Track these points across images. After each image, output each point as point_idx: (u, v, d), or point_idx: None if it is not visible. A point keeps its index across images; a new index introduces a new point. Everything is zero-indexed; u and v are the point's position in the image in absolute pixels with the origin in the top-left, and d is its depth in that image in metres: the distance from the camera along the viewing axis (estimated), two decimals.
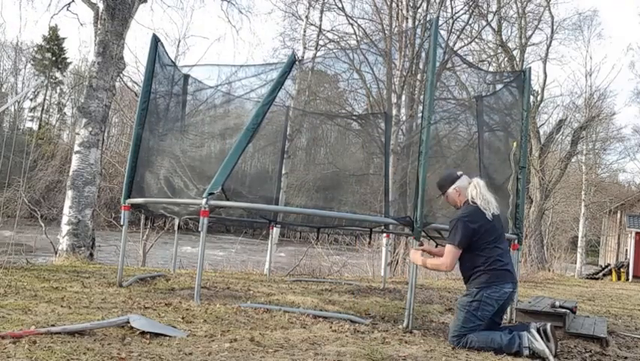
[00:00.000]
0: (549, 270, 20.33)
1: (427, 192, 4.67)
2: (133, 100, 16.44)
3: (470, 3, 17.77)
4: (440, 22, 14.35)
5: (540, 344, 3.76)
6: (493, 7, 21.07)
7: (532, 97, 20.97)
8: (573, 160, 28.41)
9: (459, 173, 4.29)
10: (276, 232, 11.89)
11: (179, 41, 21.27)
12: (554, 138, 25.97)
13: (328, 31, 16.80)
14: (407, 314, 4.59)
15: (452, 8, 17.80)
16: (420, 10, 17.10)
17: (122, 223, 5.98)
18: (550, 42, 24.28)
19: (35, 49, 42.44)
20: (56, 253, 9.11)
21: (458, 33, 17.98)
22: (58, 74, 43.74)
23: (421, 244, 4.58)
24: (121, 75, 11.45)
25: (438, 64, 5.39)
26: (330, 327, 4.29)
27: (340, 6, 16.94)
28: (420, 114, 5.65)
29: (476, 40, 20.11)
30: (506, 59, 22.49)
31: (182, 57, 20.82)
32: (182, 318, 4.14)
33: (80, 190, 9.13)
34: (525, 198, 7.04)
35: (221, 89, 7.28)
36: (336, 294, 6.72)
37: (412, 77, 15.83)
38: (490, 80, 7.16)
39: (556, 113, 30.01)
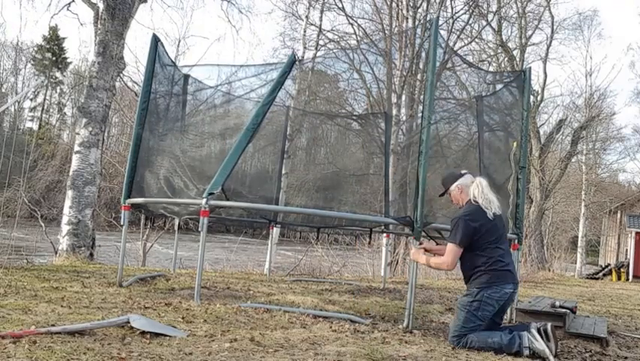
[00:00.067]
0: (549, 270, 20.33)
1: (427, 192, 4.67)
2: (133, 100, 16.43)
3: (470, 3, 17.77)
4: (440, 22, 14.33)
5: (540, 344, 3.76)
6: (493, 7, 21.08)
7: (532, 97, 20.96)
8: (573, 160, 28.43)
9: (463, 171, 4.30)
10: (276, 232, 11.89)
11: (179, 41, 21.21)
12: (554, 137, 25.98)
13: (328, 31, 16.81)
14: (407, 314, 4.59)
15: (452, 8, 17.81)
16: (420, 10, 17.10)
17: (122, 223, 5.99)
18: (551, 42, 24.33)
19: (35, 49, 42.46)
20: (56, 253, 9.10)
21: (458, 33, 18.00)
22: (58, 74, 43.75)
23: (421, 243, 4.58)
24: (121, 75, 11.44)
25: (438, 64, 5.39)
26: (330, 327, 4.29)
27: (340, 6, 16.96)
28: (420, 114, 5.65)
29: (476, 40, 20.12)
30: (506, 58, 22.50)
31: (182, 57, 20.85)
32: (182, 318, 4.14)
33: (80, 190, 9.13)
34: (525, 198, 7.03)
35: (221, 89, 7.28)
36: (336, 294, 6.72)
37: (412, 77, 15.82)
38: (490, 80, 7.16)
39: (557, 113, 30.04)
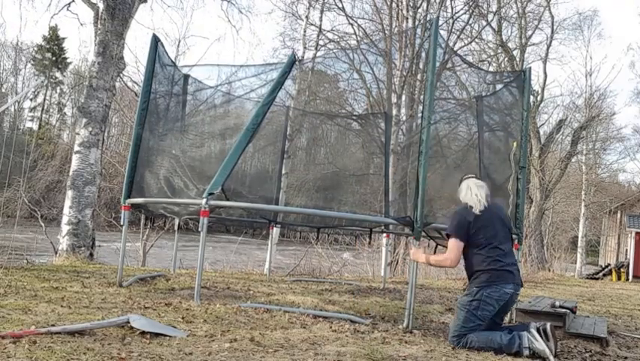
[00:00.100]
0: (549, 270, 20.33)
1: (427, 192, 4.68)
2: (133, 100, 16.43)
3: (470, 3, 17.77)
4: (440, 22, 14.34)
5: (540, 344, 3.76)
6: (493, 7, 21.08)
7: (532, 97, 20.95)
8: (573, 160, 28.41)
9: (463, 177, 4.37)
10: (276, 232, 11.89)
11: (179, 41, 21.23)
12: (554, 137, 25.96)
13: (328, 31, 16.82)
14: (407, 314, 4.59)
15: (452, 8, 17.82)
16: (420, 10, 17.11)
17: (122, 223, 5.99)
18: (551, 42, 24.30)
19: (35, 49, 42.46)
20: (56, 253, 9.11)
21: (458, 33, 18.00)
22: (58, 74, 43.74)
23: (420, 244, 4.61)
24: (121, 75, 11.44)
25: (438, 64, 5.39)
26: (330, 327, 4.29)
27: (340, 6, 16.97)
28: (420, 114, 5.65)
29: (476, 40, 20.12)
30: (506, 59, 22.49)
31: (182, 57, 20.81)
32: (182, 318, 4.15)
33: (80, 190, 9.13)
34: (525, 198, 7.03)
35: (221, 89, 7.29)
36: (336, 294, 6.72)
37: (412, 77, 15.83)
38: (490, 80, 7.16)
39: (557, 113, 30.02)
